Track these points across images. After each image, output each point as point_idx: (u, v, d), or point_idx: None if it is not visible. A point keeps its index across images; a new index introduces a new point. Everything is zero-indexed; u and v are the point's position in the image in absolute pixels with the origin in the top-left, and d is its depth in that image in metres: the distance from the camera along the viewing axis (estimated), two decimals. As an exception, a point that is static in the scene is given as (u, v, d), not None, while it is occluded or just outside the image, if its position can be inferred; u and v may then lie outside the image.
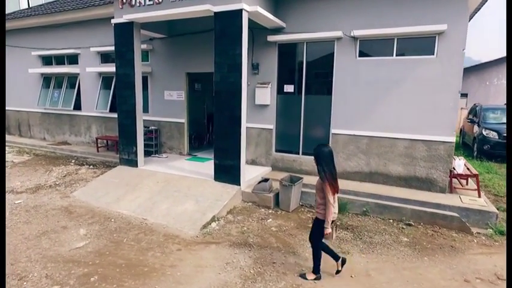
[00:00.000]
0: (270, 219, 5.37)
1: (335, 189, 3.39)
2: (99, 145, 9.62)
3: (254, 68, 7.36)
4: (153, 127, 8.92)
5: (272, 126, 7.38)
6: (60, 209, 5.66)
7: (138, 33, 7.07)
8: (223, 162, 6.23)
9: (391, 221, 5.41)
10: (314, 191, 6.37)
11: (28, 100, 11.61)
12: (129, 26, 6.92)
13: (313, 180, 6.57)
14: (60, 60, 10.84)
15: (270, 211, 5.75)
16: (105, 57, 9.83)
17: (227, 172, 6.20)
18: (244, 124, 6.07)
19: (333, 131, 6.78)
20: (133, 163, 7.32)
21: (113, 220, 5.27)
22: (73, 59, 10.53)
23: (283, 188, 5.73)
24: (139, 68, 7.20)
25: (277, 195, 6.00)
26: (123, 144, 7.42)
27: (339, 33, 6.39)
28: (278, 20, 6.58)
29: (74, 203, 5.97)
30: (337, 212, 3.51)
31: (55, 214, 5.43)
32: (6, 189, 6.58)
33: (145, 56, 8.96)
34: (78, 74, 10.30)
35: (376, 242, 4.66)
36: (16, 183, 6.94)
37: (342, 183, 6.39)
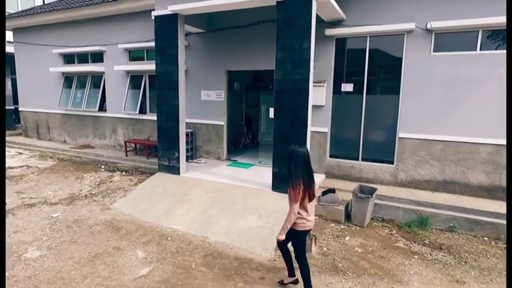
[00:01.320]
0: (348, 237, 4.69)
1: (309, 196, 3.02)
2: (127, 149, 8.96)
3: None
4: (188, 130, 8.24)
5: (327, 130, 6.70)
6: (105, 224, 4.99)
7: (182, 27, 6.40)
8: (283, 170, 5.54)
9: (486, 239, 4.72)
10: (384, 202, 5.81)
11: (48, 101, 10.95)
12: (172, 18, 6.25)
13: (380, 189, 5.93)
14: (83, 58, 10.18)
15: (342, 226, 5.07)
16: (133, 55, 9.17)
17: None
18: (309, 128, 5.39)
19: (400, 134, 6.09)
20: (174, 170, 6.64)
21: (169, 238, 4.60)
22: (97, 57, 9.87)
23: (358, 200, 5.05)
24: (183, 65, 6.52)
25: (346, 208, 5.32)
26: (163, 149, 6.75)
27: (410, 26, 5.71)
28: (341, 11, 5.90)
29: (117, 217, 5.30)
30: (312, 221, 3.13)
31: (101, 231, 4.77)
32: (39, 200, 5.93)
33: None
34: (103, 72, 9.64)
35: (486, 267, 3.97)
36: (48, 193, 6.28)
37: (413, 194, 5.84)
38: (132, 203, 5.80)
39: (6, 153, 9.62)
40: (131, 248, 4.27)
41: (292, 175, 2.98)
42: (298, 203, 2.95)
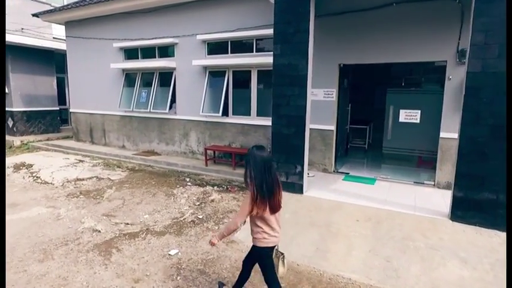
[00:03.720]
0: None
1: (270, 207, 2.54)
2: (205, 157, 7.67)
3: (461, 55, 5.24)
4: (285, 136, 6.89)
5: None
6: (247, 269, 3.66)
7: (314, 6, 5.05)
8: (472, 194, 4.12)
9: None
10: None
11: (104, 101, 9.81)
12: (302, -5, 4.91)
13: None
14: (148, 53, 8.97)
15: None
16: (214, 47, 7.88)
17: (480, 210, 4.08)
18: (520, 138, 3.95)
19: None
20: (295, 188, 5.29)
21: (356, 296, 3.23)
22: (166, 51, 8.64)
23: None
24: (312, 56, 5.16)
25: None
26: (278, 161, 5.40)
27: None
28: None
29: (254, 255, 3.97)
30: (277, 237, 2.67)
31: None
32: (139, 227, 4.66)
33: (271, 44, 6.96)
34: (174, 69, 8.40)
35: None
36: (144, 216, 5.02)
37: None
38: (260, 233, 4.46)
39: (66, 161, 8.49)
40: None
41: (248, 181, 2.59)
42: (247, 212, 2.54)
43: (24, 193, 6.35)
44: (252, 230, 2.65)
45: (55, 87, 12.63)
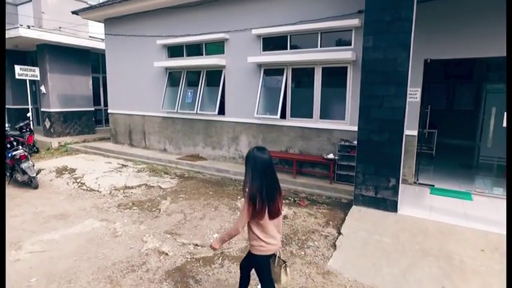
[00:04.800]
0: None
1: (269, 212, 2.35)
2: (262, 164, 6.96)
3: None
4: (355, 142, 6.08)
5: None
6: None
7: (418, -11, 4.24)
8: None
9: None
10: None
11: (145, 101, 9.29)
12: (404, -24, 4.10)
13: None
14: (194, 50, 8.36)
15: None
16: (270, 43, 7.16)
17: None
18: None
19: None
20: (386, 205, 4.48)
21: None
22: (215, 48, 8.00)
23: None
24: (411, 48, 4.34)
25: None
26: (365, 172, 4.61)
27: None
28: None
29: (361, 293, 3.21)
30: (275, 244, 2.45)
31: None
32: (214, 251, 3.99)
33: (339, 38, 6.17)
34: (224, 66, 7.73)
35: None
36: (214, 236, 4.34)
37: None
38: (360, 263, 3.67)
39: (109, 165, 7.99)
40: None
41: (247, 184, 2.37)
42: (246, 218, 2.34)
43: (72, 202, 5.84)
44: (248, 236, 2.48)
45: (91, 87, 12.30)
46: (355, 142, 6.00)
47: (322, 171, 6.57)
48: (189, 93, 8.30)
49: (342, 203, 5.46)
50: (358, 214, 4.54)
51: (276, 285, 2.58)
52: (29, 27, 9.89)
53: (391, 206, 4.45)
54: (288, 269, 2.60)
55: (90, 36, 12.08)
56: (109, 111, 10.40)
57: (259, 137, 7.42)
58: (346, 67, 6.20)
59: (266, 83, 7.20)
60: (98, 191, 6.38)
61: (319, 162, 6.39)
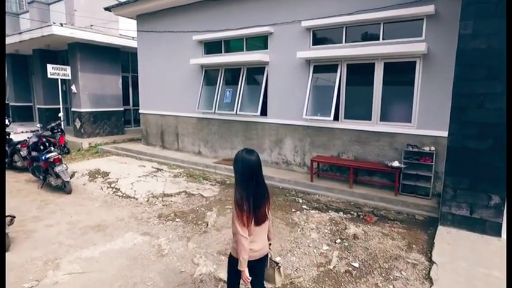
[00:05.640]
0: None
1: (255, 219, 2.23)
2: (311, 171, 6.24)
3: None
4: (426, 148, 5.26)
5: None
6: None
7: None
8: None
9: None
10: None
11: (178, 101, 8.79)
12: None
13: None
14: (233, 45, 7.77)
15: None
16: (320, 36, 6.45)
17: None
18: None
19: None
20: (485, 227, 3.69)
21: None
22: (256, 43, 7.37)
23: None
24: (525, 35, 3.52)
25: None
26: (457, 186, 3.82)
27: None
28: None
29: None
30: (260, 249, 2.33)
31: None
32: (282, 283, 3.33)
33: (405, 28, 5.37)
34: (267, 63, 7.09)
35: None
36: (275, 259, 3.68)
37: None
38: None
39: (143, 169, 7.51)
40: None
41: (236, 190, 2.24)
42: (243, 224, 2.19)
43: (108, 210, 5.35)
44: (232, 238, 2.36)
45: (120, 86, 11.99)
46: (426, 148, 5.23)
47: (382, 180, 5.80)
48: (228, 93, 7.71)
49: (418, 220, 4.66)
50: (449, 237, 3.75)
51: (269, 286, 2.53)
52: (61, 25, 9.63)
53: (492, 228, 3.64)
54: (281, 269, 2.54)
55: (120, 34, 11.77)
56: (140, 111, 9.99)
57: (306, 140, 6.71)
58: (415, 62, 5.39)
59: (316, 80, 6.49)
60: (134, 197, 5.88)
61: (380, 171, 5.61)
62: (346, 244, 3.96)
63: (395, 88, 5.76)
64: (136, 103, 12.98)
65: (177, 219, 4.83)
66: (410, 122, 5.54)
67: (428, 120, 5.34)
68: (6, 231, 3.87)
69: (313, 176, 6.20)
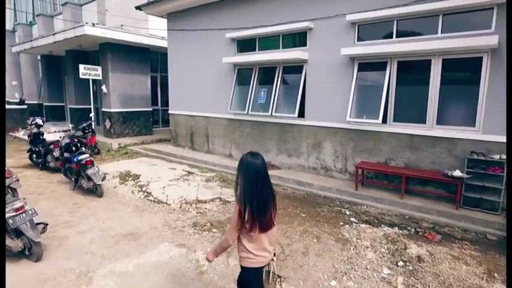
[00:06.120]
0: None
1: (260, 226, 2.13)
2: (356, 179, 5.71)
3: None
4: (495, 157, 4.59)
5: None
6: None
7: None
8: None
9: None
10: None
11: (209, 102, 8.49)
12: None
13: None
14: (268, 43, 7.34)
15: None
16: (366, 31, 5.90)
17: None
18: None
19: None
20: None
21: None
22: (292, 41, 6.93)
23: None
24: None
25: None
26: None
27: None
28: None
29: None
30: (265, 257, 2.23)
31: None
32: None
33: (470, 20, 4.73)
34: (305, 61, 6.62)
35: None
36: (330, 285, 3.20)
37: None
38: None
39: (173, 172, 7.24)
40: None
41: (238, 193, 2.18)
42: (236, 230, 2.18)
43: (140, 216, 5.09)
44: (237, 247, 2.28)
45: (149, 86, 11.90)
46: (496, 156, 4.57)
47: (438, 191, 5.18)
48: (262, 93, 7.30)
49: (491, 241, 4.04)
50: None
51: None
52: (93, 25, 9.60)
53: None
54: (283, 284, 2.39)
55: (149, 34, 11.68)
56: (170, 111, 9.79)
57: (348, 144, 6.18)
58: (481, 57, 4.75)
59: (361, 79, 5.94)
60: (166, 203, 5.60)
61: (437, 180, 5.00)
62: (410, 268, 3.42)
63: (456, 87, 5.12)
64: (164, 103, 12.91)
65: (213, 230, 4.48)
66: (474, 126, 4.89)
67: (496, 124, 4.67)
68: (39, 239, 3.66)
69: (357, 184, 5.66)
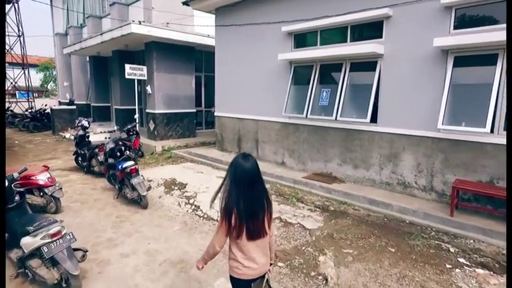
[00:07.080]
0: None
1: (248, 232, 2.01)
2: (452, 202, 4.55)
3: None
4: None
5: None
6: None
7: None
8: None
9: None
10: None
11: (259, 103, 7.69)
12: None
13: None
14: (332, 36, 6.37)
15: None
16: (464, 16, 4.71)
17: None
18: None
19: None
20: None
21: None
22: (362, 32, 5.89)
23: None
24: None
25: None
26: None
27: None
28: None
29: None
30: (255, 268, 2.08)
31: None
32: None
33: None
34: (380, 56, 5.55)
35: None
36: None
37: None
38: None
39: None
40: None
41: (224, 193, 2.06)
42: (221, 235, 2.06)
43: (189, 236, 4.40)
44: (229, 254, 2.16)
45: (193, 86, 11.41)
46: None
47: None
48: (324, 94, 6.32)
49: None
50: None
51: None
52: (140, 22, 9.25)
53: None
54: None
55: (195, 32, 11.18)
56: (216, 114, 9.15)
57: (436, 157, 5.01)
58: None
59: (458, 77, 4.76)
60: (218, 221, 4.85)
61: None
62: None
63: None
64: (208, 104, 12.39)
65: (279, 264, 3.62)
66: None
67: None
68: (77, 272, 3.03)
69: (453, 210, 4.50)
